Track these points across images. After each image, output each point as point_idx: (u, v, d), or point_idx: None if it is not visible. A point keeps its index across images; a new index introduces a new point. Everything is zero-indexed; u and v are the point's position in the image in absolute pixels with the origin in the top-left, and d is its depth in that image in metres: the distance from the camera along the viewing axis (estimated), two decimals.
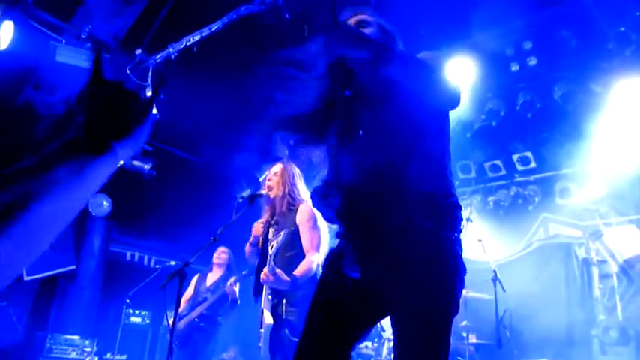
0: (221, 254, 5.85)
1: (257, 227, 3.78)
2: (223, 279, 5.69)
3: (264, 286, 3.45)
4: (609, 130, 5.77)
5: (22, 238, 0.75)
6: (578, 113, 5.84)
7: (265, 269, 3.27)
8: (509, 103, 5.93)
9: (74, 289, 6.75)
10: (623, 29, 4.70)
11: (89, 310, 6.79)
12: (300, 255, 3.50)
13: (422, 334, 1.69)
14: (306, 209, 3.59)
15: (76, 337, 5.94)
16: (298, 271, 3.35)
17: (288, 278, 3.29)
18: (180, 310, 5.52)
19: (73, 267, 6.72)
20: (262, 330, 3.41)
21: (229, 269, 5.85)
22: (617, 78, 5.32)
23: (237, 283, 5.45)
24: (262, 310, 3.46)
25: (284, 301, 3.43)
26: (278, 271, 3.25)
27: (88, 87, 0.98)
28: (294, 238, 3.51)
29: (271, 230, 3.73)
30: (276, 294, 3.45)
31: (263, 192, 3.78)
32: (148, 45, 5.92)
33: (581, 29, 4.96)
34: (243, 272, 5.33)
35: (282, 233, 3.39)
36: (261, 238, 3.74)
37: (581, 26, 4.95)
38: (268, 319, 3.39)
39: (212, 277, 5.83)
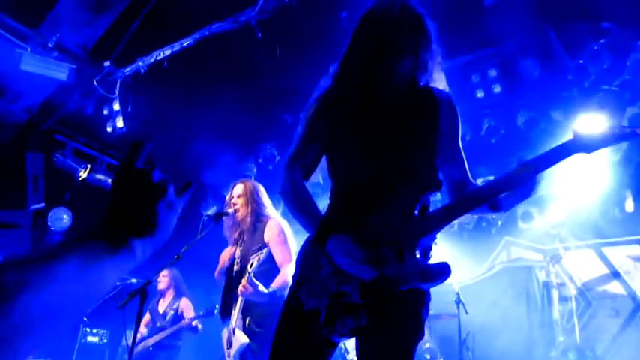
0: (161, 278, 5.76)
1: (224, 257, 3.79)
2: (173, 302, 5.63)
3: (236, 305, 3.42)
4: (569, 159, 5.96)
5: (6, 332, 0.63)
6: (540, 140, 6.02)
7: (244, 281, 3.26)
8: (475, 128, 6.08)
9: None
10: (581, 62, 4.90)
11: None
12: (273, 270, 3.50)
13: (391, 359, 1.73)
14: (275, 224, 3.61)
15: (29, 357, 5.69)
16: (276, 284, 3.37)
17: (266, 290, 3.29)
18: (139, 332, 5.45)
19: None
20: (232, 350, 3.37)
21: (177, 290, 5.77)
22: (577, 108, 5.52)
23: (187, 307, 5.41)
24: (233, 330, 3.42)
25: (248, 320, 3.42)
26: (257, 282, 3.26)
27: (116, 176, 0.92)
28: (267, 260, 3.51)
29: (238, 249, 3.71)
30: (244, 313, 3.43)
31: (229, 210, 3.75)
32: (117, 57, 5.84)
33: (544, 60, 5.15)
34: (200, 312, 5.31)
35: (264, 250, 3.39)
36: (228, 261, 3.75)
37: (543, 57, 5.14)
38: (243, 338, 3.35)
39: (164, 303, 5.75)
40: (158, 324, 5.53)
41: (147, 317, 5.66)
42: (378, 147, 1.84)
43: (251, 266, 3.32)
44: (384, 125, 1.86)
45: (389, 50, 1.82)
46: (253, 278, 3.29)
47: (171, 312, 5.52)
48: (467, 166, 1.99)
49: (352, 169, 1.90)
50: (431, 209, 1.86)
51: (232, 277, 3.61)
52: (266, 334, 3.37)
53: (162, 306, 5.75)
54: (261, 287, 3.29)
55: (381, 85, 1.88)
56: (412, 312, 1.78)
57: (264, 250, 3.40)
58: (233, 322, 3.43)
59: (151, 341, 5.37)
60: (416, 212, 1.78)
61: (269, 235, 3.58)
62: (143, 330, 5.52)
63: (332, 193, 1.97)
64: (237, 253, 3.69)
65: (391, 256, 1.72)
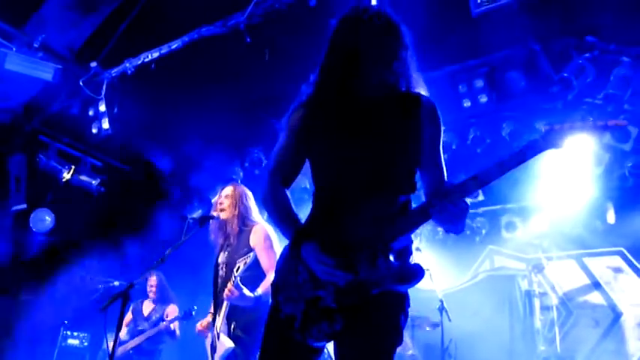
0: (153, 288, 5.71)
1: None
2: (159, 309, 5.58)
3: (221, 310, 3.40)
4: (553, 169, 6.05)
5: None
6: None
7: (229, 285, 3.25)
8: (461, 137, 6.13)
9: None
10: (566, 75, 4.97)
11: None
12: (259, 275, 3.50)
13: None
14: (261, 230, 3.61)
15: None
16: (262, 289, 3.37)
17: (252, 295, 3.28)
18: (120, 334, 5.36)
19: None
20: (217, 356, 3.34)
21: (162, 298, 5.72)
22: (561, 120, 5.60)
23: (172, 313, 5.35)
24: (218, 335, 3.40)
25: (233, 325, 3.41)
26: (242, 287, 3.25)
27: None
28: (254, 265, 3.50)
29: (223, 254, 3.70)
30: (229, 318, 3.42)
31: (214, 214, 3.73)
32: (104, 58, 5.79)
33: (529, 72, 5.22)
34: (193, 312, 5.26)
35: (251, 255, 3.38)
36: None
37: (529, 69, 5.21)
38: (228, 343, 3.33)
39: (148, 306, 5.70)
40: (139, 327, 5.46)
41: (129, 316, 5.59)
42: (355, 152, 1.84)
43: (237, 270, 3.31)
44: (362, 130, 1.87)
45: (365, 55, 1.83)
46: (239, 282, 3.28)
47: (156, 315, 5.45)
48: (445, 173, 1.99)
49: (330, 173, 1.91)
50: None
51: (218, 283, 3.60)
52: (250, 341, 3.36)
53: (147, 308, 5.68)
54: (246, 291, 3.28)
55: (360, 89, 1.88)
56: (389, 315, 1.79)
57: (251, 255, 3.39)
58: (218, 327, 3.42)
59: (131, 344, 5.29)
60: (390, 216, 1.79)
61: (255, 240, 3.58)
62: (123, 330, 5.45)
63: (313, 198, 1.98)
64: (222, 259, 3.68)
65: (365, 260, 1.74)
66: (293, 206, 1.96)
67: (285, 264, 1.88)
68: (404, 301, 1.84)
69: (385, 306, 1.77)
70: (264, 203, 2.01)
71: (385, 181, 1.84)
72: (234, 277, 3.28)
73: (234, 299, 3.30)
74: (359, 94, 1.89)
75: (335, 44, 1.92)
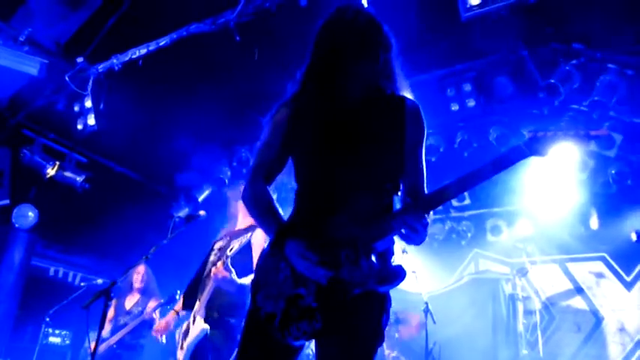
0: (141, 276, 5.65)
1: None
2: (142, 302, 5.51)
3: (203, 295, 3.38)
4: (538, 174, 6.11)
5: None
6: None
7: (219, 265, 3.23)
8: (449, 140, 6.16)
9: None
10: (553, 81, 5.02)
11: (3, 327, 6.31)
12: (248, 265, 3.49)
13: None
14: (262, 234, 3.59)
15: None
16: (248, 280, 3.35)
17: (238, 281, 3.27)
18: (104, 331, 5.30)
19: None
20: (188, 340, 3.32)
21: (147, 290, 5.66)
22: (547, 125, 5.66)
23: (158, 310, 5.29)
24: (194, 318, 3.38)
25: (213, 311, 3.40)
26: (232, 269, 3.25)
27: None
28: (247, 249, 3.47)
29: (221, 242, 3.68)
30: (209, 304, 3.40)
31: (202, 213, 3.72)
32: (91, 53, 5.72)
33: (516, 77, 5.27)
34: (162, 300, 5.20)
35: (247, 236, 3.38)
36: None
37: (516, 75, 5.26)
38: (203, 324, 3.30)
39: (131, 300, 5.62)
40: (121, 321, 5.40)
41: (111, 312, 5.53)
42: (339, 151, 1.85)
43: (231, 250, 3.29)
44: (346, 130, 1.87)
45: (347, 54, 1.83)
46: (229, 264, 3.27)
47: (138, 309, 5.39)
48: (425, 178, 1.99)
49: (314, 172, 1.91)
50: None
51: (206, 268, 3.57)
52: (231, 326, 3.34)
53: (129, 302, 5.61)
54: (234, 276, 3.27)
55: (344, 90, 1.89)
56: (370, 316, 1.79)
57: (247, 236, 3.36)
58: (195, 311, 3.39)
59: (113, 340, 5.23)
60: (373, 216, 1.79)
61: (256, 239, 3.55)
62: (107, 327, 5.39)
63: (295, 196, 1.97)
64: (219, 245, 3.66)
65: (347, 259, 1.74)
66: (275, 203, 1.95)
67: (266, 261, 1.87)
68: (385, 301, 1.84)
69: (366, 306, 1.77)
70: (246, 200, 1.99)
71: (369, 181, 1.84)
72: (227, 256, 3.25)
73: (220, 280, 3.28)
74: (344, 95, 1.90)
75: (319, 44, 1.93)
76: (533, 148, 1.78)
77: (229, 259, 3.26)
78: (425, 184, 1.99)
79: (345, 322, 1.73)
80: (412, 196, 1.92)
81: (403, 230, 1.73)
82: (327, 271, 1.71)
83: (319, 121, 1.90)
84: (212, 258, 3.62)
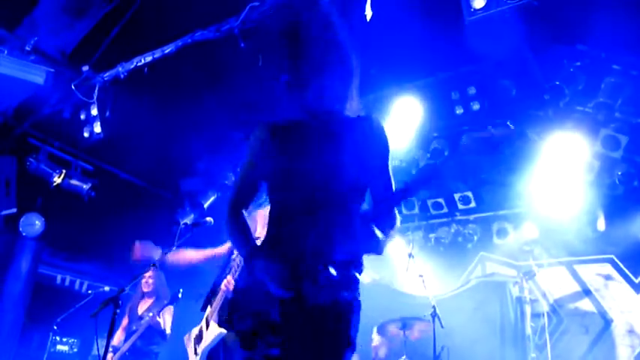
0: (148, 280, 5.65)
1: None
2: (153, 306, 5.50)
3: (216, 300, 3.38)
4: (544, 176, 6.09)
5: None
6: (515, 158, 6.14)
7: (229, 277, 3.23)
8: (453, 143, 6.16)
9: None
10: (557, 83, 5.02)
11: (11, 336, 6.33)
12: None
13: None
14: None
15: None
16: None
17: None
18: (117, 340, 5.30)
19: None
20: (202, 345, 3.31)
21: (158, 295, 5.65)
22: (552, 127, 5.65)
23: (166, 312, 5.28)
24: (207, 323, 3.37)
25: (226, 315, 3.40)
26: None
27: None
28: None
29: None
30: (221, 309, 3.40)
31: (208, 219, 3.72)
32: (96, 62, 5.76)
33: (521, 80, 5.26)
34: (165, 302, 5.19)
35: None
36: None
37: (520, 77, 5.25)
38: (218, 329, 3.30)
39: (143, 306, 5.63)
40: (134, 327, 5.42)
41: (125, 320, 5.56)
42: (305, 170, 1.93)
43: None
44: (312, 148, 1.97)
45: (308, 74, 1.92)
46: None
47: (150, 314, 5.37)
48: (392, 186, 2.05)
49: (284, 193, 2.00)
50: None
51: (222, 272, 3.57)
52: None
53: (141, 308, 5.61)
54: None
55: (312, 108, 1.98)
56: (333, 324, 1.85)
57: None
58: (208, 315, 3.39)
59: (125, 346, 5.24)
60: (334, 228, 1.85)
61: None
62: (122, 336, 5.42)
63: (268, 217, 2.06)
64: (234, 255, 3.67)
65: (307, 273, 1.81)
66: (249, 229, 2.09)
67: (241, 282, 1.96)
68: (350, 307, 1.90)
69: (329, 314, 1.84)
70: (226, 227, 2.11)
71: (332, 196, 1.91)
72: (235, 270, 3.26)
73: (230, 292, 3.29)
74: (312, 113, 2.00)
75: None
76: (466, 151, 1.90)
77: (237, 272, 3.27)
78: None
79: (307, 333, 1.81)
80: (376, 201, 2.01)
81: (365, 235, 1.79)
82: (288, 286, 1.80)
83: (289, 141, 2.01)
84: (232, 263, 3.64)
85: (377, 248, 1.86)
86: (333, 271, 1.79)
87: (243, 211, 2.11)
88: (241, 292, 2.00)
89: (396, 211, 1.90)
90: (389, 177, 2.06)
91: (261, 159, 2.05)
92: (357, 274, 1.90)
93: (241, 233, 2.06)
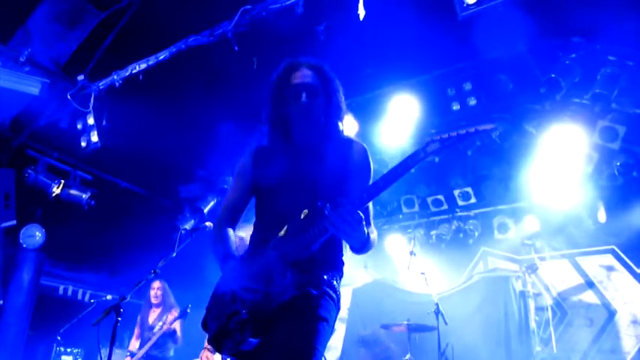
0: (157, 292, 5.83)
1: None
2: (163, 315, 5.63)
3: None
4: (543, 169, 6.08)
5: None
6: (514, 152, 6.14)
7: None
8: None
9: None
10: (553, 75, 5.01)
11: (15, 348, 6.32)
12: None
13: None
14: None
15: None
16: None
17: None
18: (133, 346, 5.47)
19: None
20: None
21: (165, 304, 5.78)
22: (549, 120, 5.65)
23: (179, 321, 5.37)
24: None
25: None
26: None
27: None
28: None
29: None
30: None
31: (208, 224, 3.70)
32: (91, 71, 5.75)
33: (517, 74, 5.26)
34: (188, 309, 5.30)
35: None
36: None
37: (516, 71, 5.25)
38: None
39: (152, 315, 5.77)
40: (146, 336, 5.56)
41: (137, 330, 5.73)
42: (288, 187, 2.14)
43: None
44: (297, 170, 2.17)
45: (293, 119, 2.21)
46: None
47: (160, 323, 5.51)
48: (371, 213, 2.19)
49: (268, 208, 2.22)
50: None
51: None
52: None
53: (151, 317, 5.77)
54: None
55: (297, 138, 2.23)
56: (300, 318, 1.95)
57: None
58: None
59: (140, 354, 5.38)
60: (299, 236, 1.99)
61: None
62: (136, 344, 5.58)
63: (253, 227, 2.26)
64: None
65: (275, 274, 1.96)
66: (229, 241, 2.26)
67: (217, 288, 2.13)
68: (318, 300, 2.00)
69: (295, 309, 1.95)
70: (212, 237, 2.30)
71: (304, 206, 2.04)
72: None
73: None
74: (298, 142, 2.25)
75: (270, 105, 2.32)
76: (429, 151, 1.94)
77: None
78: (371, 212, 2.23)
79: (275, 328, 1.92)
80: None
81: (333, 229, 1.88)
82: (258, 288, 1.96)
83: (276, 165, 2.20)
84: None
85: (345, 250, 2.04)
86: (297, 269, 1.96)
87: (227, 227, 2.29)
88: (215, 297, 2.11)
89: (362, 214, 1.93)
90: (364, 192, 2.08)
91: (251, 181, 2.29)
92: (324, 276, 2.04)
93: (219, 244, 2.23)
